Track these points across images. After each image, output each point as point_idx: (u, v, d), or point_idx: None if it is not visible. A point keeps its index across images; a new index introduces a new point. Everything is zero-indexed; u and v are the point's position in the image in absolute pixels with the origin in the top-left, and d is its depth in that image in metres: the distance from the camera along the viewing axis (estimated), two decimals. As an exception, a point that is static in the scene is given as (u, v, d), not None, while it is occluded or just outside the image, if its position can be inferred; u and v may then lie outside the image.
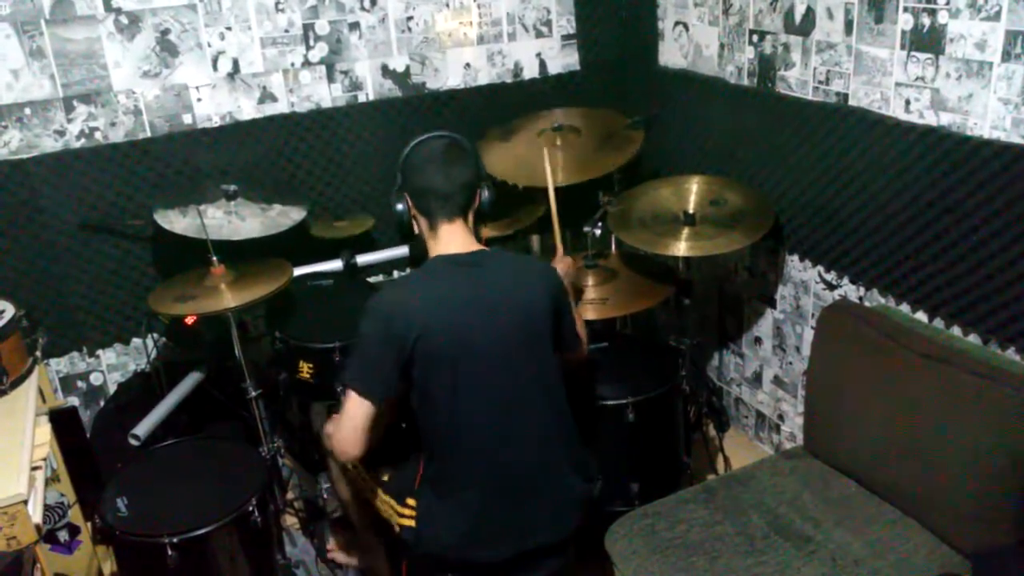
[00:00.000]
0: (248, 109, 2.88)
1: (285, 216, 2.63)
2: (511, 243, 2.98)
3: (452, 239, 1.91)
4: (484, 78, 3.17)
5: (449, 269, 1.88)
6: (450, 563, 1.92)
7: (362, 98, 3.02)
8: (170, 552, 2.02)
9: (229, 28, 2.77)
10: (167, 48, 2.72)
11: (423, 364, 1.81)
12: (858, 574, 1.88)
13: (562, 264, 2.21)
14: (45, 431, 2.13)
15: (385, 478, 2.09)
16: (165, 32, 2.70)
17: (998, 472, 1.80)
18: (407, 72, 3.05)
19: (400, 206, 1.98)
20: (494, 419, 1.86)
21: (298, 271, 2.72)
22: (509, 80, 3.21)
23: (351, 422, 1.81)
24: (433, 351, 1.80)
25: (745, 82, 2.80)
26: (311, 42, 2.89)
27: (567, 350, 2.03)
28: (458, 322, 1.81)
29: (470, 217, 1.96)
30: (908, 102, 2.18)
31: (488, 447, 1.87)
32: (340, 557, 2.60)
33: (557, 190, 2.36)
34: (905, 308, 2.30)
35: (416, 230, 2.00)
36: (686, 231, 2.51)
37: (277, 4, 2.81)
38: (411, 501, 1.95)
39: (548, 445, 1.92)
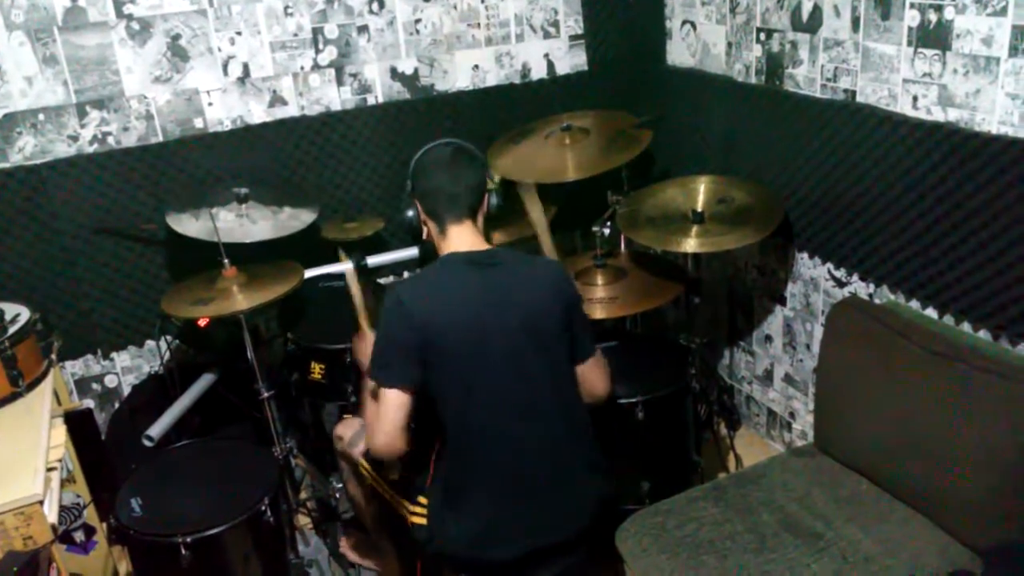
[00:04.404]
0: (258, 113, 2.90)
1: (296, 218, 2.65)
2: (520, 246, 2.98)
3: (462, 239, 1.93)
4: (492, 79, 3.18)
5: (461, 267, 1.89)
6: (462, 562, 1.93)
7: (371, 101, 3.04)
8: (184, 551, 2.04)
9: (239, 33, 2.80)
10: (178, 53, 2.74)
11: (434, 361, 1.82)
12: (869, 571, 1.87)
13: None
14: (60, 432, 2.15)
15: (395, 477, 2.11)
16: (176, 37, 2.72)
17: (1009, 468, 1.79)
18: (416, 74, 3.07)
19: (410, 212, 2.00)
20: (504, 419, 1.87)
21: (309, 273, 2.74)
22: (517, 81, 3.22)
23: (389, 417, 1.82)
24: (443, 349, 1.81)
25: (753, 80, 2.80)
26: (320, 46, 2.91)
27: (581, 355, 1.98)
28: (468, 321, 1.82)
29: (479, 219, 1.97)
30: (915, 98, 2.18)
31: (498, 447, 1.88)
32: (352, 556, 2.62)
33: (569, 188, 2.35)
34: (915, 304, 2.30)
35: (425, 235, 2.01)
36: (695, 229, 2.51)
37: (286, 8, 2.83)
38: (423, 499, 1.97)
39: (560, 445, 1.92)
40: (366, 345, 2.09)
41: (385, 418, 1.83)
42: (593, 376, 2.02)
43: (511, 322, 1.84)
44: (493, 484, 1.89)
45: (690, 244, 2.46)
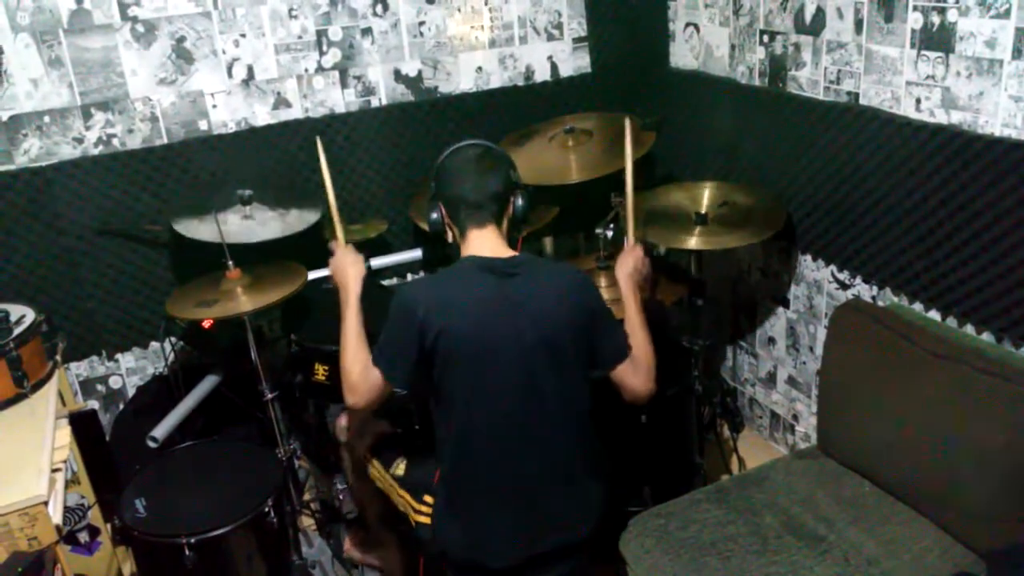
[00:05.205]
0: (263, 115, 2.91)
1: (300, 220, 2.66)
2: (524, 245, 2.98)
3: (482, 244, 1.90)
4: (496, 81, 3.19)
5: (476, 273, 1.87)
6: (461, 564, 1.93)
7: (375, 103, 3.04)
8: (187, 552, 2.05)
9: (243, 35, 2.80)
10: (183, 55, 2.75)
11: (441, 363, 1.81)
12: (871, 574, 1.88)
13: (631, 256, 2.18)
14: (65, 434, 2.15)
15: (400, 472, 2.11)
16: (180, 40, 2.73)
17: (1012, 471, 1.79)
18: (419, 76, 3.08)
19: (434, 215, 1.98)
20: (508, 427, 1.86)
21: (313, 274, 2.75)
22: (521, 83, 3.22)
23: (371, 392, 1.90)
24: (452, 351, 1.80)
25: (756, 82, 2.81)
26: (324, 48, 2.92)
27: (608, 362, 1.95)
28: (477, 327, 1.81)
29: (504, 224, 1.95)
30: (919, 101, 2.18)
31: (502, 454, 1.87)
32: (355, 555, 2.62)
33: (573, 190, 2.32)
34: (918, 307, 2.30)
35: (450, 238, 2.00)
36: (698, 229, 2.52)
37: (290, 11, 2.83)
38: (428, 498, 1.97)
39: (564, 453, 1.91)
40: (343, 259, 2.14)
41: (365, 389, 1.90)
42: (629, 379, 1.97)
43: (523, 331, 1.81)
44: (494, 489, 1.88)
45: (693, 242, 2.47)
